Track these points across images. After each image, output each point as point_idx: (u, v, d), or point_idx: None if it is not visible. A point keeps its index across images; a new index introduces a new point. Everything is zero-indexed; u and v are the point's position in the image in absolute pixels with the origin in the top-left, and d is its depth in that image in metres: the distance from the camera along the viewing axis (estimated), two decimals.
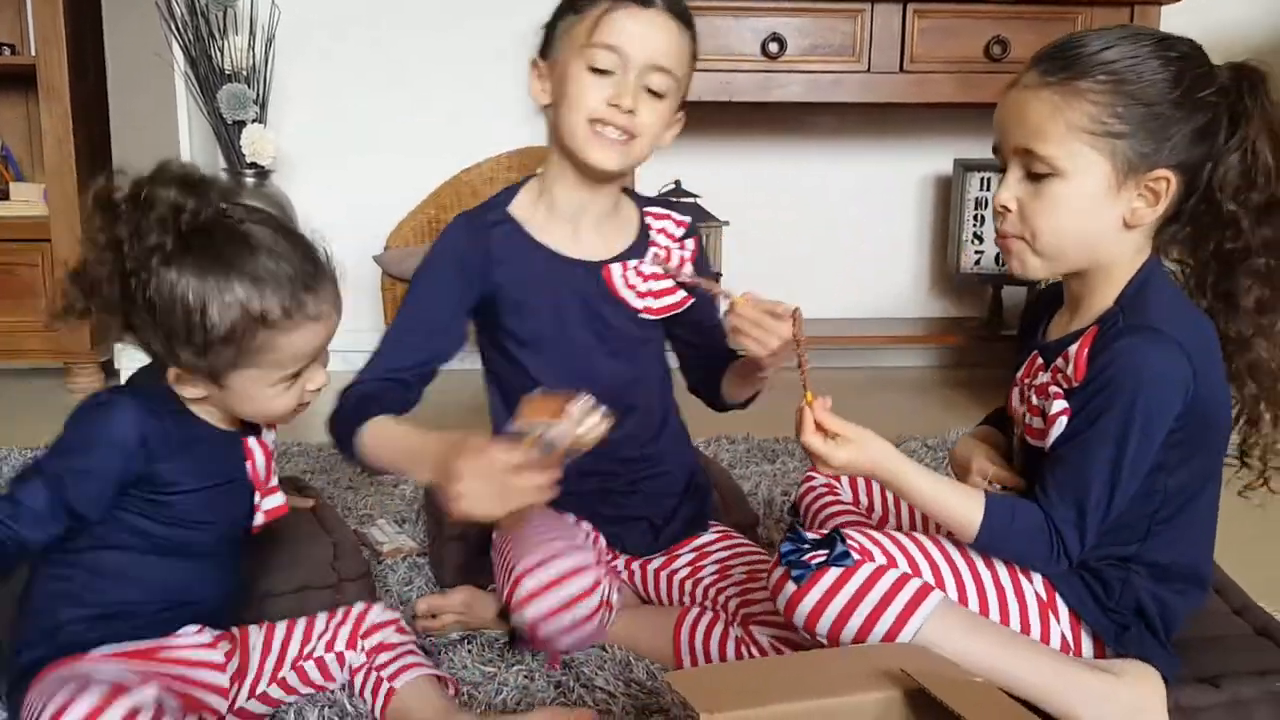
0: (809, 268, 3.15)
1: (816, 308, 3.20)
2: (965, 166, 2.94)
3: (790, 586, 1.12)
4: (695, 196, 2.88)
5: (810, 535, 1.15)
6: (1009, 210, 1.15)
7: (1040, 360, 1.20)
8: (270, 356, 1.08)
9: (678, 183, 2.88)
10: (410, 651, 1.27)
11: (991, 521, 1.12)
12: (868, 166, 3.12)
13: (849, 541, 1.14)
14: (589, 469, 1.30)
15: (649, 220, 1.43)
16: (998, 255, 1.22)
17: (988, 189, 2.92)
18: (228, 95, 2.70)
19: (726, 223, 2.90)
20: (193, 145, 2.85)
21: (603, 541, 1.44)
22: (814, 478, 1.48)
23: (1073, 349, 1.13)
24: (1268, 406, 1.18)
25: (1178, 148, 1.10)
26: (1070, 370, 1.12)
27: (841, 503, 1.44)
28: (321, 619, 1.28)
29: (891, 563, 1.13)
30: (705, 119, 3.02)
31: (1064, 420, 1.12)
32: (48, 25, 2.67)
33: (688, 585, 1.42)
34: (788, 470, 2.13)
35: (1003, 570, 1.17)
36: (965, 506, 1.13)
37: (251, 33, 2.74)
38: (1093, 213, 1.12)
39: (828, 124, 3.10)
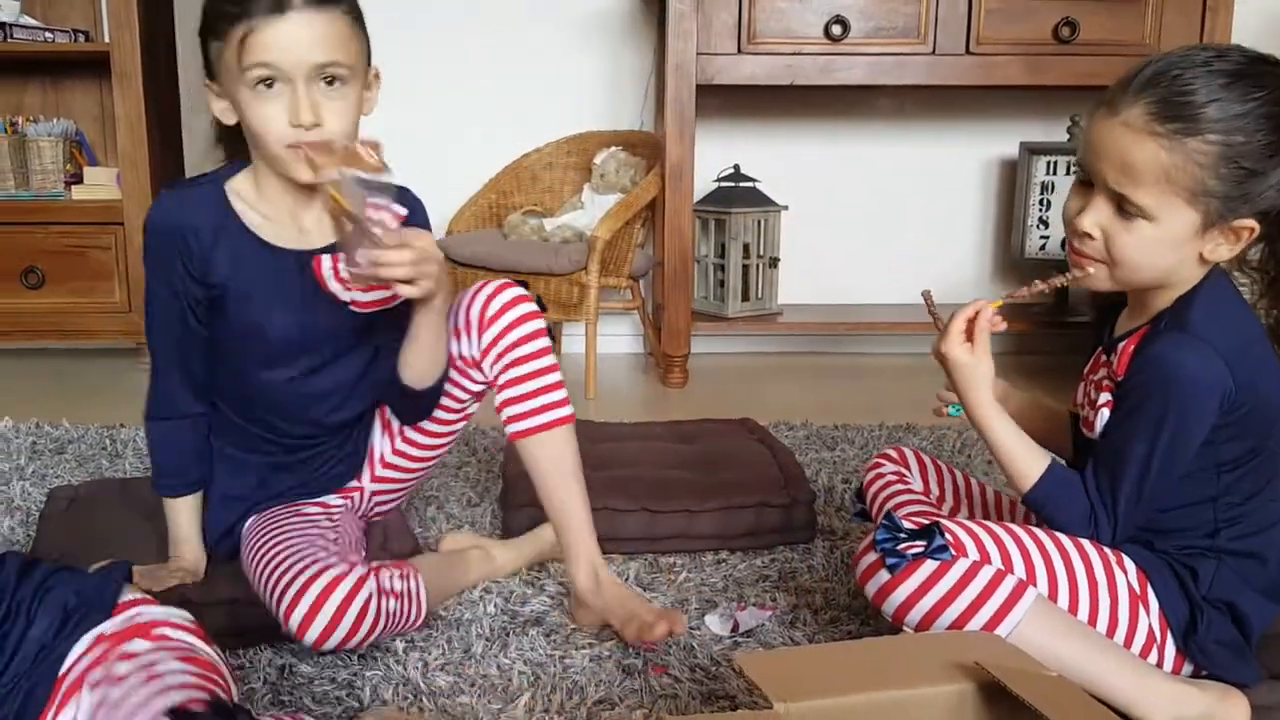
0: (870, 252, 3.12)
1: (877, 292, 3.19)
2: (1031, 150, 2.89)
3: (884, 574, 1.14)
4: (754, 181, 2.86)
5: (906, 524, 1.16)
6: (1092, 237, 1.16)
7: (1103, 357, 1.23)
8: None
9: (736, 167, 2.86)
10: None
11: (1046, 485, 1.18)
12: (931, 150, 3.08)
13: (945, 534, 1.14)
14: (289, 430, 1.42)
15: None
16: (1063, 240, 1.24)
17: (1053, 173, 2.87)
18: None
19: (786, 207, 2.88)
20: None
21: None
22: (882, 464, 1.47)
23: (1122, 345, 1.18)
24: None
25: (1265, 198, 1.11)
26: (1115, 365, 1.17)
27: (911, 491, 1.42)
28: None
29: (985, 556, 1.14)
30: (766, 102, 3.02)
31: (1105, 412, 1.17)
32: (121, 11, 2.73)
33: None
34: (847, 458, 2.13)
35: (1097, 562, 1.18)
36: (1030, 461, 1.19)
37: None
38: (1174, 251, 1.15)
39: (890, 107, 3.07)
